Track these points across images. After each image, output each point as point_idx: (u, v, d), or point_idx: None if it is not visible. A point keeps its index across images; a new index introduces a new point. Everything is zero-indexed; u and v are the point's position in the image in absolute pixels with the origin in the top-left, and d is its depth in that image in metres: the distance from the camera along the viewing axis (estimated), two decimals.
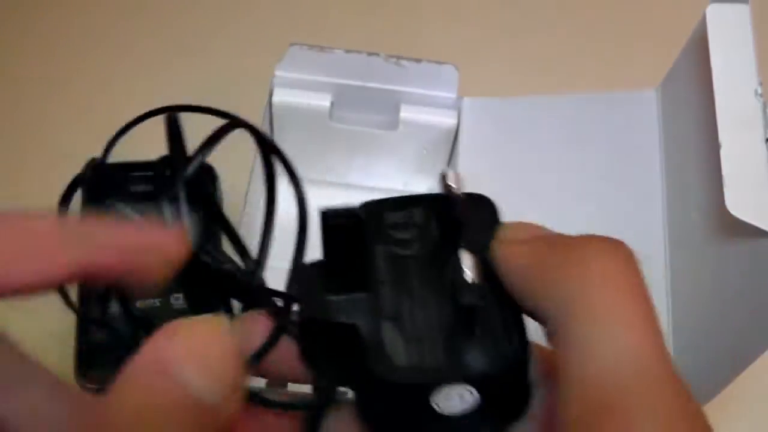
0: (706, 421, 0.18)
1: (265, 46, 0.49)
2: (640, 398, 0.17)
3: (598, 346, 0.18)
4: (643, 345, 0.18)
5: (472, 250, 0.20)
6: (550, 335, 0.19)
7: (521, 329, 0.20)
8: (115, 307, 0.23)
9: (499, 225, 0.21)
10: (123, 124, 0.23)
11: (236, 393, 0.18)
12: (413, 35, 0.58)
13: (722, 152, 0.31)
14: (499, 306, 0.20)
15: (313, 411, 0.21)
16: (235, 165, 0.50)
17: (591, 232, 0.20)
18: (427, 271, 0.21)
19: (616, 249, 0.19)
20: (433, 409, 0.19)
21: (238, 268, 0.22)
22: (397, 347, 0.20)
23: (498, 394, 0.20)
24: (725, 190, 0.30)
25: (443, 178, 0.22)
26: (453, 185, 0.21)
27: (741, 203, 0.30)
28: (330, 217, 0.20)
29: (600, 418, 0.17)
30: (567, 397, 0.18)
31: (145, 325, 0.22)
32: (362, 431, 0.21)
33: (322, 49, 0.42)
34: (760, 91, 0.33)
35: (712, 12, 0.35)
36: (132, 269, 0.19)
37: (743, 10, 0.35)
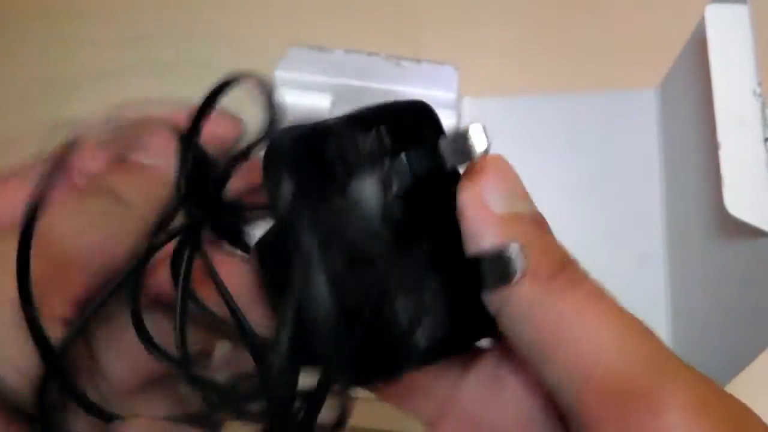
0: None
1: (265, 46, 0.49)
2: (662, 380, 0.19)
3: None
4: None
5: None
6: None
7: None
8: None
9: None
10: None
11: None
12: (413, 35, 0.58)
13: (721, 152, 0.31)
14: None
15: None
16: None
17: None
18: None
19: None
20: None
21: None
22: None
23: None
24: (724, 190, 0.30)
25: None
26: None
27: (740, 203, 0.30)
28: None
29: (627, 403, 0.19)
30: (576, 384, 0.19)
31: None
32: None
33: (322, 49, 0.42)
34: (759, 91, 0.33)
35: (712, 12, 0.35)
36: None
37: (742, 10, 0.35)
